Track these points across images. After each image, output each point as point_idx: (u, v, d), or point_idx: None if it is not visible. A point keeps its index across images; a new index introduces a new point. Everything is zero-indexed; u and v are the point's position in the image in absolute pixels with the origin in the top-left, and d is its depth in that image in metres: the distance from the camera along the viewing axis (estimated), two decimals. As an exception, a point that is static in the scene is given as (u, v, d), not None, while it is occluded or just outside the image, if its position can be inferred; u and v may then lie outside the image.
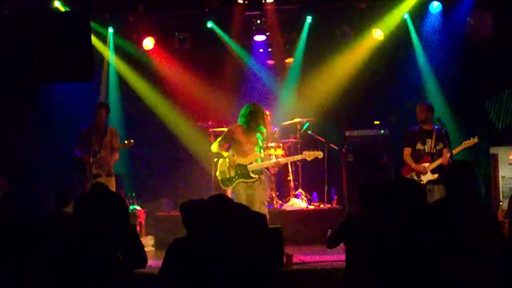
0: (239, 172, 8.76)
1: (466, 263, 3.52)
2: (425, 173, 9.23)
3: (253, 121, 8.73)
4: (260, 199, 8.67)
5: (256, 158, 8.80)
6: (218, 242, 4.69)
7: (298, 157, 9.72)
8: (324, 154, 11.03)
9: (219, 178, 9.04)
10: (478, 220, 4.22)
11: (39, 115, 12.07)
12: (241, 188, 8.73)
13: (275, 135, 11.40)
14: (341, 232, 5.72)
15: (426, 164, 9.27)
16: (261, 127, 8.81)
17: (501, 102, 11.54)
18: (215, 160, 9.56)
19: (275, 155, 10.67)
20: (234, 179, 8.79)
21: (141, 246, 3.85)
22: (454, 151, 9.10)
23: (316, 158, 9.38)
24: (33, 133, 11.94)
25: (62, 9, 10.75)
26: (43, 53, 7.91)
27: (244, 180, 8.74)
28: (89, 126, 9.80)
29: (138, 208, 10.94)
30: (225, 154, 8.92)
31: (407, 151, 9.53)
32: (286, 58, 13.05)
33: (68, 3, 10.83)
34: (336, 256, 7.85)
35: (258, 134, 8.78)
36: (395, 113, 12.21)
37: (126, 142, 9.91)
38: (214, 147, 9.03)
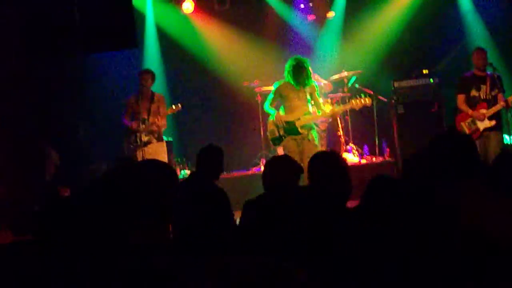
0: (287, 129, 8.66)
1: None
2: (483, 119, 8.88)
3: (297, 75, 8.55)
4: (309, 154, 8.15)
5: (304, 113, 8.65)
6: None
7: (346, 106, 9.45)
8: (373, 107, 10.88)
9: (269, 137, 8.97)
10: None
11: (80, 83, 11.99)
12: (292, 145, 8.63)
13: (322, 91, 11.20)
14: None
15: (484, 110, 8.92)
16: (308, 80, 8.67)
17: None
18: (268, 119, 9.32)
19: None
20: (283, 137, 8.71)
21: None
22: (509, 100, 8.74)
23: (365, 107, 9.14)
24: (79, 104, 11.93)
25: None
26: (86, 23, 7.90)
27: (293, 136, 8.64)
28: (136, 94, 9.71)
29: (189, 172, 10.82)
30: (272, 112, 8.82)
31: (461, 98, 9.18)
32: (327, 12, 12.80)
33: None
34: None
35: (306, 88, 8.66)
36: (442, 61, 11.97)
37: (173, 107, 9.70)
38: (266, 106, 8.94)
